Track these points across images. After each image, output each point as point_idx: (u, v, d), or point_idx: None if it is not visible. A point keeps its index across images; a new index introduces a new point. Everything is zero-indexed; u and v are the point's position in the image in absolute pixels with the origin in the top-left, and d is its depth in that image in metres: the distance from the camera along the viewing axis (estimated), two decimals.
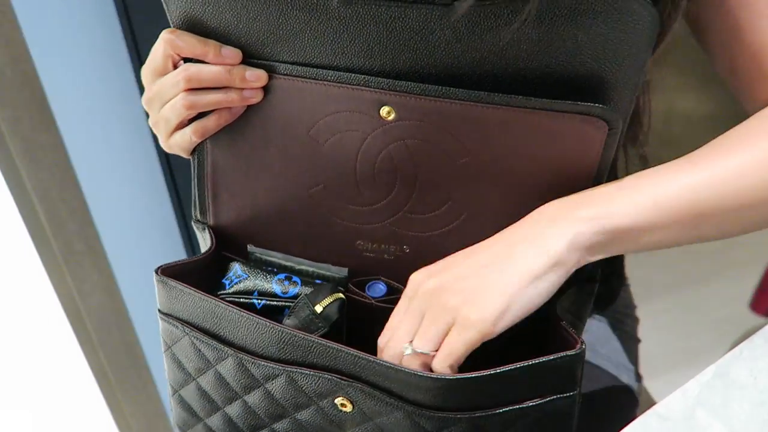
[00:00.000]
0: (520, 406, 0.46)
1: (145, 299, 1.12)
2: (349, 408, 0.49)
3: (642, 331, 0.78)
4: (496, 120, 0.46)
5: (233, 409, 0.55)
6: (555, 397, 0.46)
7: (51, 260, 0.96)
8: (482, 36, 0.44)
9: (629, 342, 0.75)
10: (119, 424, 1.15)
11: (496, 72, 0.45)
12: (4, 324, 1.02)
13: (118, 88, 1.01)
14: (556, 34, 0.43)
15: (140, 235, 1.14)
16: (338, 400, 0.49)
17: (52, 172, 0.93)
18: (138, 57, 0.97)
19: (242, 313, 0.49)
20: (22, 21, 0.85)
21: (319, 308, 0.52)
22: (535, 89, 0.45)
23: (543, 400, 0.46)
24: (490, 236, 0.49)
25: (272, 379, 0.51)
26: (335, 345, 0.47)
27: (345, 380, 0.48)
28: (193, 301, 0.51)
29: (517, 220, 0.49)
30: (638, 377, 0.73)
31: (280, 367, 0.50)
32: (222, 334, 0.51)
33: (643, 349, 0.78)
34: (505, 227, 0.49)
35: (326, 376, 0.48)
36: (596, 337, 0.72)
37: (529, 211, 0.48)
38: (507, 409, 0.46)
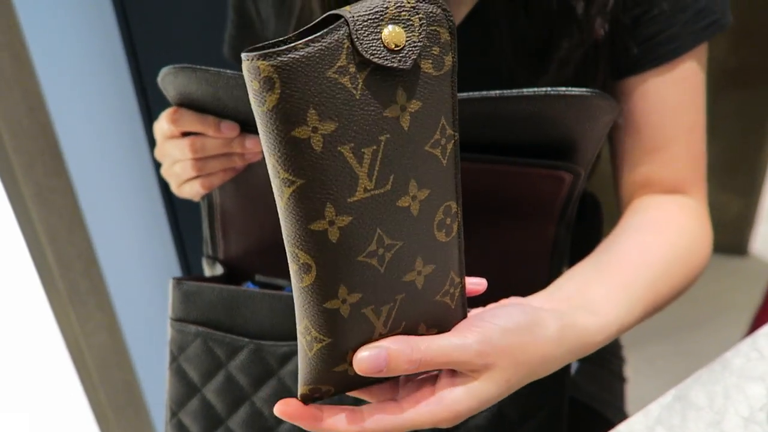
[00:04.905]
0: None
1: (146, 340, 1.14)
2: None
3: (637, 377, 0.78)
4: (477, 170, 0.51)
5: (238, 418, 0.56)
6: None
7: (57, 299, 0.99)
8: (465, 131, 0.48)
9: (615, 381, 0.76)
10: None
11: (480, 142, 0.50)
12: (9, 359, 1.04)
13: (127, 138, 1.06)
14: (533, 127, 0.49)
15: (143, 278, 1.17)
16: None
17: (61, 215, 0.97)
18: (148, 111, 1.02)
19: (264, 292, 0.53)
20: (41, 74, 0.91)
21: None
22: (518, 149, 0.51)
23: None
24: (474, 255, 0.53)
25: (289, 360, 0.54)
26: None
27: None
28: (212, 296, 0.55)
29: (497, 242, 0.54)
30: (625, 416, 0.74)
31: None
32: (239, 326, 0.54)
33: (638, 395, 0.78)
34: (487, 247, 0.53)
35: None
36: (581, 376, 0.74)
37: (508, 233, 0.53)
38: None
